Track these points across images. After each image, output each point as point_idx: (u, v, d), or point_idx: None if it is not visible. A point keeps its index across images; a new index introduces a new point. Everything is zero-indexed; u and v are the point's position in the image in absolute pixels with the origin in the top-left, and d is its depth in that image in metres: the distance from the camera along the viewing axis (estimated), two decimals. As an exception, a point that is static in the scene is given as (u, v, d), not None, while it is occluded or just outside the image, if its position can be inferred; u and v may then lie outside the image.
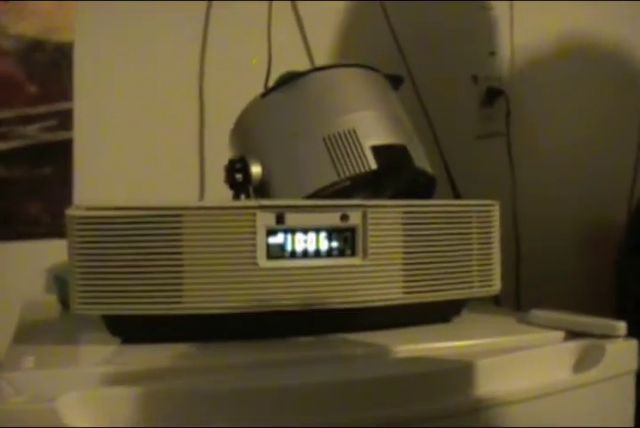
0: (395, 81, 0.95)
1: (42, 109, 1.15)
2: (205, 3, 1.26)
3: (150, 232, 0.66)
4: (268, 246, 0.70)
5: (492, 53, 1.48)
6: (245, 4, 1.27)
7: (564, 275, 1.49)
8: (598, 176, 1.55)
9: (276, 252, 0.70)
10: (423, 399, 0.63)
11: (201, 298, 0.67)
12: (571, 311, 0.80)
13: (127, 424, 0.55)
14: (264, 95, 0.91)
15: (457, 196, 1.31)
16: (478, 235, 0.78)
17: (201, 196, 1.25)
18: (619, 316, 0.78)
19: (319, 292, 0.70)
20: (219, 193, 0.93)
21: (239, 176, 0.87)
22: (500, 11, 1.48)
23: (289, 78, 0.89)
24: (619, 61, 1.59)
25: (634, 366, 0.75)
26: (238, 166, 0.87)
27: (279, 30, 1.29)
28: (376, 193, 0.85)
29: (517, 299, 1.41)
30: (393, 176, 0.85)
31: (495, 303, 1.07)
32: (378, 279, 0.72)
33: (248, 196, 0.87)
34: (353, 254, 0.72)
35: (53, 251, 1.05)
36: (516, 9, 1.49)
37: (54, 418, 0.53)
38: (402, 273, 0.73)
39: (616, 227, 1.46)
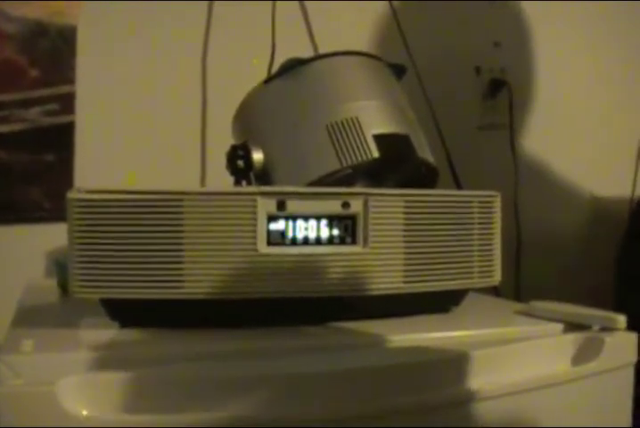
0: (398, 71, 0.95)
1: (43, 92, 1.15)
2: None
3: (150, 216, 0.66)
4: (269, 232, 0.69)
5: (496, 44, 1.47)
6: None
7: (565, 266, 1.49)
8: (601, 168, 1.55)
9: (277, 239, 0.70)
10: (419, 389, 0.63)
11: (201, 283, 0.67)
12: (571, 303, 0.80)
13: (125, 409, 0.55)
14: (267, 82, 0.90)
15: (459, 187, 1.31)
16: (479, 226, 0.78)
17: (203, 182, 1.25)
18: (619, 308, 0.78)
19: (319, 279, 0.70)
20: (221, 179, 0.93)
21: (240, 163, 0.87)
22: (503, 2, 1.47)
23: (292, 65, 0.89)
24: (626, 55, 1.59)
25: (633, 358, 0.75)
26: (240, 152, 0.87)
27: (283, 19, 1.28)
28: (378, 183, 0.84)
29: (517, 290, 1.41)
30: (395, 165, 0.85)
31: (495, 294, 1.07)
32: (378, 268, 0.72)
33: (249, 183, 0.87)
34: (354, 242, 0.72)
35: (54, 236, 1.04)
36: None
37: (53, 401, 0.53)
38: (402, 262, 0.73)
39: (618, 220, 1.46)
